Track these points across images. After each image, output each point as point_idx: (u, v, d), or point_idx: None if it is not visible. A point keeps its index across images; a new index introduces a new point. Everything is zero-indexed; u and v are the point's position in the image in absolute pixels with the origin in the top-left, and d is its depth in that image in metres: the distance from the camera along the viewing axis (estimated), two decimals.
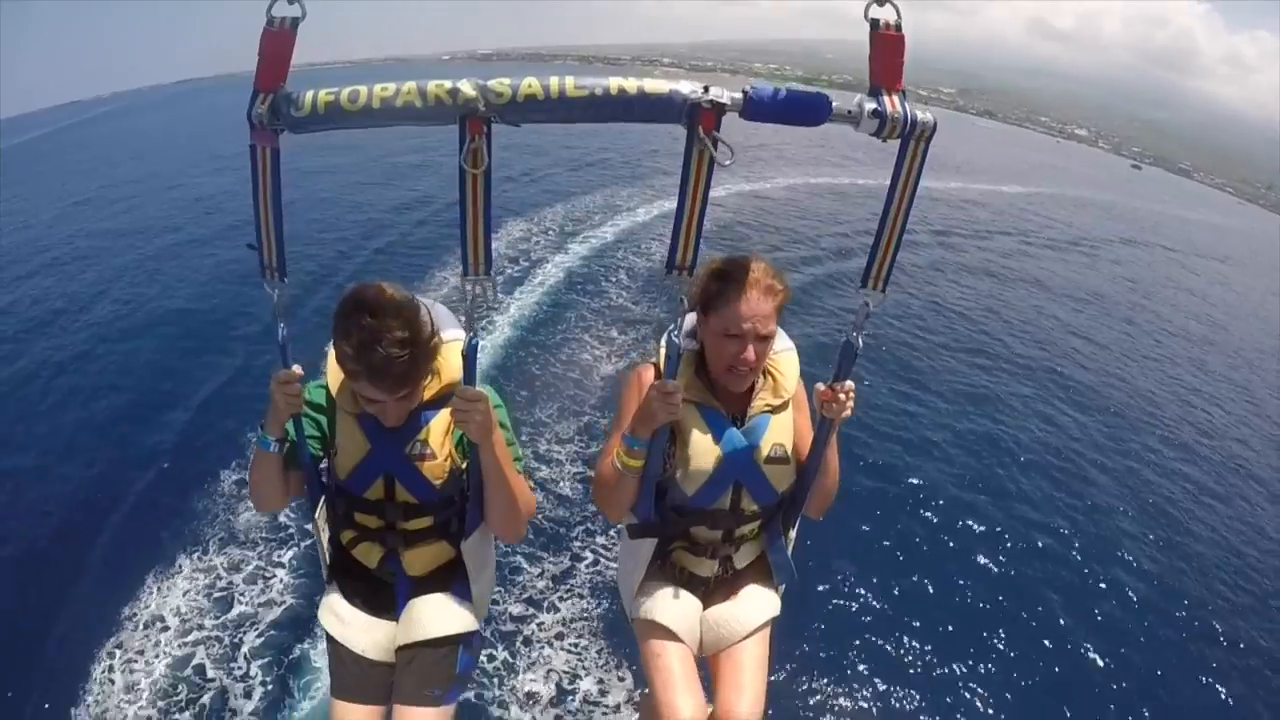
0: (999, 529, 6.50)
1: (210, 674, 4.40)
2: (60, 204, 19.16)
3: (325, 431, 2.01)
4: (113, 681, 4.39)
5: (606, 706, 4.14)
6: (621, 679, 4.30)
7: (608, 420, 7.01)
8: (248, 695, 4.27)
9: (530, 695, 4.15)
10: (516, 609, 4.72)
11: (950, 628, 5.27)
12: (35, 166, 31.05)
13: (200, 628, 4.71)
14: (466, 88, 1.43)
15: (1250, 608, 6.20)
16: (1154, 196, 51.88)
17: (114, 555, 5.42)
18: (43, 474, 6.53)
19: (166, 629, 4.71)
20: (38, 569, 5.35)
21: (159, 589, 5.01)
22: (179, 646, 4.58)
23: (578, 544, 5.35)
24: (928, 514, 6.56)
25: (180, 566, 5.19)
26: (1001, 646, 5.20)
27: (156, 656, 4.52)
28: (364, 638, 2.12)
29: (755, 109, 1.49)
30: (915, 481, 6.98)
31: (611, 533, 5.47)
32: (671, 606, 2.16)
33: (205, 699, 4.25)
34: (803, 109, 1.52)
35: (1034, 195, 31.37)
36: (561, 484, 6.08)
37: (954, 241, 18.02)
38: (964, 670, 4.94)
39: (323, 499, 2.11)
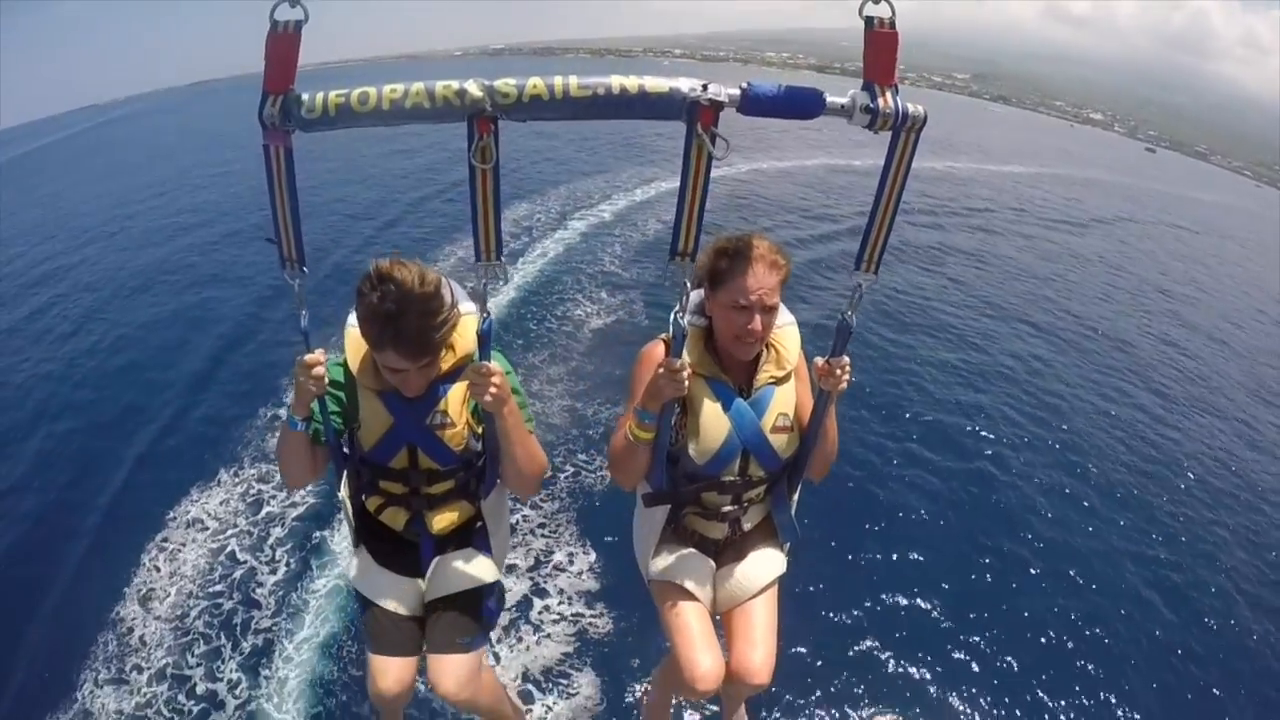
0: (993, 480, 6.63)
1: (240, 558, 5.19)
2: (118, 194, 20.73)
3: (345, 406, 2.09)
4: (159, 569, 5.17)
5: (571, 572, 4.93)
6: (587, 555, 5.07)
7: (593, 366, 7.76)
8: (273, 572, 5.05)
9: (510, 567, 4.90)
10: None
11: (946, 583, 5.31)
12: (80, 164, 32.68)
13: (234, 525, 5.49)
14: (473, 88, 1.46)
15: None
16: (1165, 179, 51.40)
17: (163, 470, 6.29)
18: (112, 403, 7.60)
19: (205, 529, 5.49)
20: (97, 479, 6.21)
21: (201, 497, 5.81)
22: (215, 539, 5.37)
23: (559, 459, 6.06)
24: (925, 473, 6.63)
25: (219, 480, 6.01)
26: (1001, 600, 5.26)
27: (196, 548, 5.31)
28: (395, 596, 2.27)
29: (752, 105, 1.54)
30: (912, 444, 7.05)
31: (591, 450, 6.20)
32: (687, 568, 2.29)
33: (237, 574, 5.04)
34: (797, 104, 1.57)
35: (1038, 175, 31.36)
36: (552, 417, 6.83)
37: (950, 219, 18.34)
38: (961, 619, 5.00)
39: (346, 471, 2.22)
